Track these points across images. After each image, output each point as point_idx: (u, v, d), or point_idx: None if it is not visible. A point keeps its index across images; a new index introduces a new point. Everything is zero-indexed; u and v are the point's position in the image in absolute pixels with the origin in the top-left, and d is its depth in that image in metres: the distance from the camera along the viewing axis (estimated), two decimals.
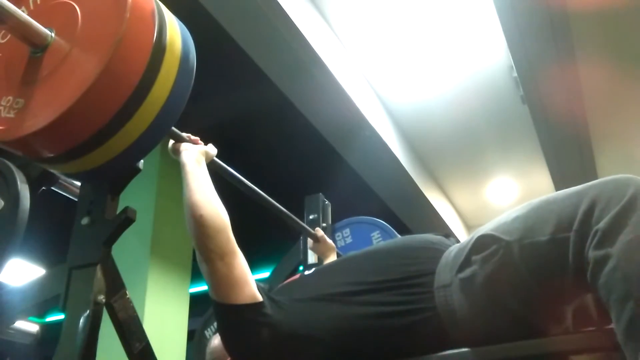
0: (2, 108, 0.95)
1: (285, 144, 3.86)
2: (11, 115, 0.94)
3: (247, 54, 2.62)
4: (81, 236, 1.15)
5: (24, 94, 0.94)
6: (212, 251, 1.03)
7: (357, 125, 3.33)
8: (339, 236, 2.66)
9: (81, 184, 1.27)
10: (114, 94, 0.90)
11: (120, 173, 1.09)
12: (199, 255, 1.06)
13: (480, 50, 3.22)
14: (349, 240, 2.68)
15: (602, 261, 0.77)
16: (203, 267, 1.06)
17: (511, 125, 3.92)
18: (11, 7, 0.90)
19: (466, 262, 0.94)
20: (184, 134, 1.26)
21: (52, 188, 1.42)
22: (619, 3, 2.74)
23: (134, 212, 1.14)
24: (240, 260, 1.06)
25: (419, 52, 3.23)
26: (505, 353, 0.90)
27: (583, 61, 3.11)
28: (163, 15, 1.02)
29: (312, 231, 2.04)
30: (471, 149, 4.27)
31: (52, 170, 1.11)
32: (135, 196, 2.98)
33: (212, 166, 1.30)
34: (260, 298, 1.04)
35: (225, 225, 1.07)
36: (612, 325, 0.79)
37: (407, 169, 3.94)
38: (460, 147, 4.24)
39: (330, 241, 2.05)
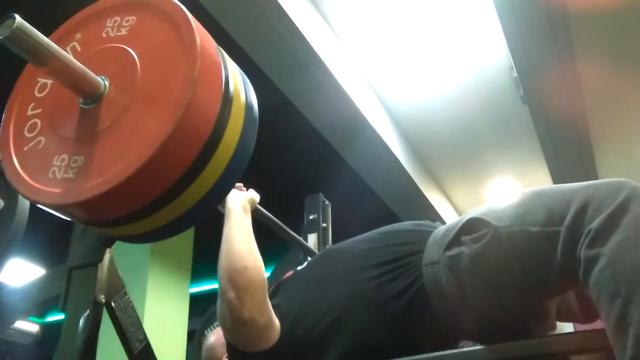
0: (56, 169, 0.83)
1: (285, 144, 3.86)
2: (70, 175, 0.82)
3: (247, 54, 2.62)
4: (81, 236, 1.15)
5: (82, 151, 0.83)
6: (248, 310, 0.93)
7: (357, 125, 3.33)
8: None
9: None
10: (188, 146, 0.82)
11: (184, 230, 0.97)
12: (230, 313, 0.93)
13: (480, 50, 3.22)
14: None
15: (593, 260, 0.79)
16: (230, 325, 0.95)
17: (511, 125, 3.93)
18: (60, 51, 0.80)
19: (455, 241, 0.96)
20: None
21: None
22: (619, 3, 2.74)
23: None
24: (271, 314, 0.98)
25: (419, 52, 3.23)
26: (505, 353, 0.90)
27: (583, 61, 3.11)
28: (224, 54, 0.93)
29: None
30: (471, 149, 4.28)
31: (109, 234, 1.01)
32: None
33: (253, 213, 1.23)
34: (279, 328, 0.99)
35: (265, 281, 0.99)
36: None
37: (407, 169, 3.94)
38: (460, 147, 4.24)
39: None
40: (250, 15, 2.43)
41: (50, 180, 0.83)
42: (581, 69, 3.18)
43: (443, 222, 1.13)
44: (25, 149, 0.88)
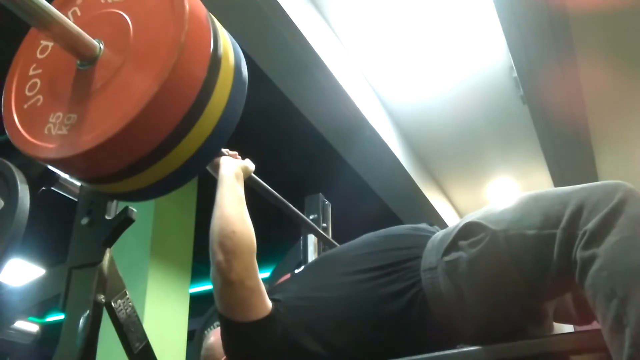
0: (51, 125, 0.89)
1: (285, 144, 3.86)
2: (64, 132, 0.87)
3: (247, 54, 2.62)
4: (81, 236, 1.15)
5: (76, 109, 0.88)
6: (236, 272, 0.96)
7: (357, 125, 3.33)
8: None
9: (81, 185, 1.27)
10: (175, 106, 0.86)
11: (177, 187, 1.02)
12: (219, 275, 0.98)
13: (480, 50, 3.22)
14: None
15: (589, 261, 0.79)
16: (220, 286, 0.98)
17: (511, 125, 3.93)
18: (60, 15, 0.84)
19: (452, 246, 0.96)
20: (223, 149, 1.21)
21: (52, 188, 1.42)
22: (619, 3, 2.74)
23: (134, 212, 1.14)
24: (259, 281, 1.01)
25: (419, 52, 3.23)
26: (504, 353, 0.90)
27: (583, 61, 3.11)
28: (214, 20, 0.97)
29: None
30: (471, 149, 4.28)
31: (100, 191, 1.05)
32: None
33: (248, 181, 1.25)
34: (270, 306, 1.01)
35: (254, 246, 1.02)
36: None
37: (407, 169, 3.94)
38: (460, 147, 4.24)
39: None
40: (250, 15, 2.43)
41: (45, 136, 0.89)
42: (581, 69, 3.18)
43: (442, 225, 1.13)
44: (25, 106, 0.94)
